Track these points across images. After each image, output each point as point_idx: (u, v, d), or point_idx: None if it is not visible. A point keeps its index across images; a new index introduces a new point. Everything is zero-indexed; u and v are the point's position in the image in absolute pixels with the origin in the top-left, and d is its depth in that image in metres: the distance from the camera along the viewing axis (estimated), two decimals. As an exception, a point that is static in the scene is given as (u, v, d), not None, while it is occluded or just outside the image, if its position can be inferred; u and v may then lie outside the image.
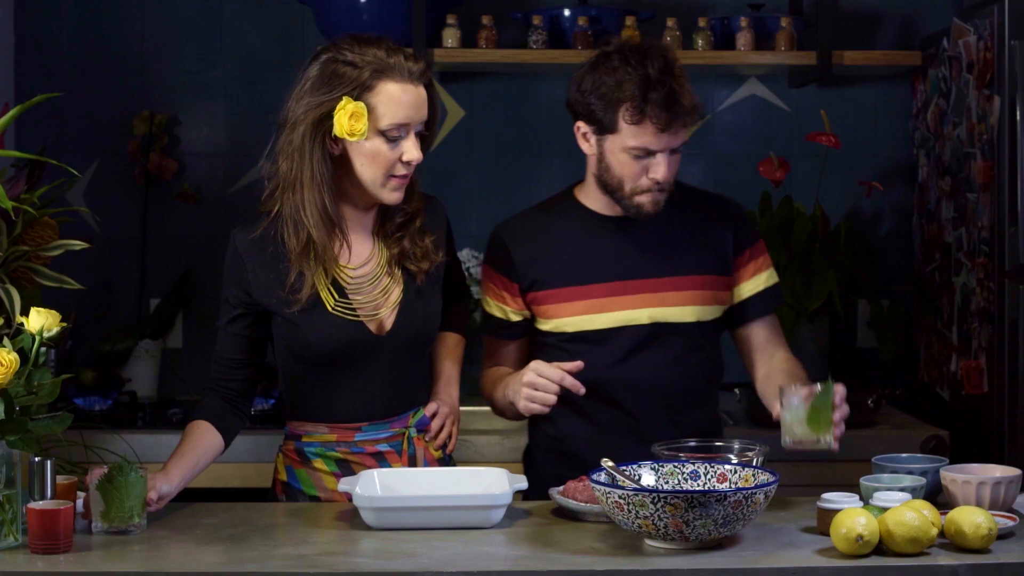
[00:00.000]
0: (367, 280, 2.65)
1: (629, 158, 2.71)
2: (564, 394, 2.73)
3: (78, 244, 2.70)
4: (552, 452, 2.88)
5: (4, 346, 2.31)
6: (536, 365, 2.66)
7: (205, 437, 2.63)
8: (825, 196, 4.02)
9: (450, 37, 3.89)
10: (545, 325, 2.84)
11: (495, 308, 2.88)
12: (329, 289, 2.61)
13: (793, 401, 2.45)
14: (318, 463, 2.68)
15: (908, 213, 4.13)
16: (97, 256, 3.87)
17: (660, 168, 2.70)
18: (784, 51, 3.92)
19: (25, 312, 2.41)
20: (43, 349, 2.36)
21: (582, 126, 2.76)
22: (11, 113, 2.63)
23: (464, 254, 4.02)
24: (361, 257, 2.66)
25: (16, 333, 2.42)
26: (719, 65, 3.98)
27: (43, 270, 2.66)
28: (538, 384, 2.64)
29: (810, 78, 4.01)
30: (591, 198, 2.84)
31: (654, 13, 4.02)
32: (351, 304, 2.62)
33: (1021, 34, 3.38)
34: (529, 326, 2.88)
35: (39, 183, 2.81)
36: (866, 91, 4.17)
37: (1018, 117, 3.37)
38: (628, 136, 2.69)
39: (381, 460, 2.68)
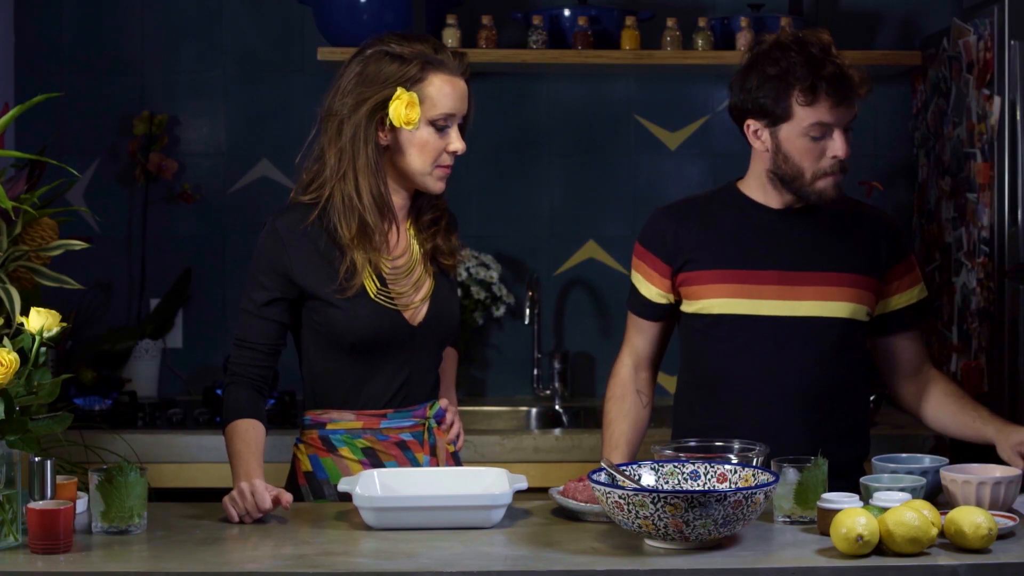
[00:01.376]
0: (403, 271, 2.71)
1: (807, 141, 2.74)
2: (702, 382, 2.82)
3: (78, 244, 2.70)
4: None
5: (4, 346, 2.31)
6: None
7: (259, 432, 2.64)
8: (825, 196, 4.02)
9: (450, 37, 3.89)
10: (690, 307, 2.86)
11: (642, 285, 2.92)
12: (372, 277, 2.66)
13: (788, 474, 2.44)
14: (345, 451, 2.70)
15: (908, 213, 4.13)
16: (97, 256, 3.87)
17: (838, 145, 2.73)
18: (784, 51, 3.92)
19: (25, 312, 2.41)
20: (43, 349, 2.36)
21: (752, 123, 2.79)
22: (11, 113, 2.63)
23: (464, 254, 4.01)
24: (399, 248, 2.73)
25: (16, 333, 2.41)
26: (719, 65, 3.97)
27: (43, 270, 2.66)
28: None
29: (810, 78, 4.00)
30: (753, 189, 2.86)
31: (654, 13, 4.02)
32: (390, 293, 2.67)
33: (1021, 34, 3.38)
34: (671, 312, 2.91)
35: (39, 183, 2.81)
36: (866, 91, 4.17)
37: (1018, 117, 3.37)
38: (804, 117, 2.73)
39: (405, 449, 2.72)
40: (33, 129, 3.98)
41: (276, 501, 2.48)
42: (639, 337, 2.97)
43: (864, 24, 4.17)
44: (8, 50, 4.04)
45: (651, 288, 2.91)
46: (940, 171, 3.82)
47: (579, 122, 4.17)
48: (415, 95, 2.62)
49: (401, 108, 2.61)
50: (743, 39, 3.93)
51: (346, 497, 2.68)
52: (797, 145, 2.75)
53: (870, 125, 4.17)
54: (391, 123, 2.63)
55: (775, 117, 2.74)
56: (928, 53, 3.91)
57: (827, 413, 2.80)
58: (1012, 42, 3.38)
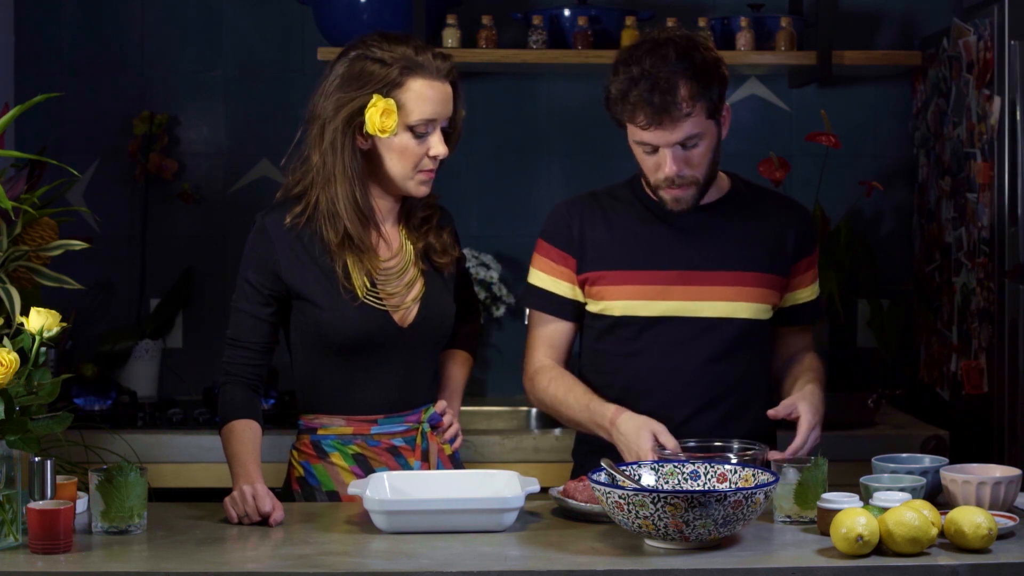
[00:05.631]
0: (395, 272, 2.70)
1: (641, 152, 2.72)
2: (603, 384, 2.76)
3: (78, 244, 2.70)
4: (598, 447, 2.81)
5: (4, 346, 2.31)
6: (655, 443, 2.60)
7: (256, 433, 2.64)
8: (825, 196, 4.02)
9: (450, 37, 3.89)
10: (594, 307, 2.82)
11: (551, 282, 2.84)
12: (362, 278, 2.65)
13: (788, 474, 2.44)
14: (335, 457, 2.70)
15: (908, 213, 4.13)
16: (97, 256, 3.87)
17: (663, 163, 2.68)
18: (784, 51, 3.92)
19: (25, 312, 2.41)
20: (43, 349, 2.36)
21: None
22: (11, 113, 2.63)
23: (463, 253, 4.02)
24: (390, 249, 2.72)
25: (16, 333, 2.42)
26: (719, 65, 3.97)
27: (43, 270, 2.66)
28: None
29: (810, 78, 4.01)
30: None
31: (654, 13, 4.02)
32: (379, 294, 2.66)
33: (1021, 34, 3.38)
34: (580, 310, 2.85)
35: (39, 183, 2.81)
36: (866, 91, 4.17)
37: (1018, 117, 3.37)
38: (631, 132, 2.71)
39: (396, 455, 2.71)
40: (33, 129, 3.98)
41: (274, 508, 2.47)
42: (549, 340, 2.85)
43: (864, 24, 4.17)
44: (8, 50, 4.04)
45: (562, 284, 2.83)
46: (940, 171, 3.82)
47: (579, 122, 4.17)
48: (391, 102, 2.59)
49: (376, 116, 2.59)
50: (743, 39, 3.93)
51: (336, 500, 2.69)
52: (636, 153, 2.74)
53: (870, 125, 4.17)
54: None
55: (618, 122, 2.73)
56: (928, 53, 3.91)
57: (729, 411, 2.76)
58: (1012, 42, 3.38)
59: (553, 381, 2.82)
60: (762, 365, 2.84)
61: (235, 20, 4.15)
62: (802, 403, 2.67)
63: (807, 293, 2.87)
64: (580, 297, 2.84)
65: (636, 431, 2.64)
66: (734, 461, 2.52)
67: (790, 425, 2.72)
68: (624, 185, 2.88)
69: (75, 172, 2.87)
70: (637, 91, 2.63)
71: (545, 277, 2.85)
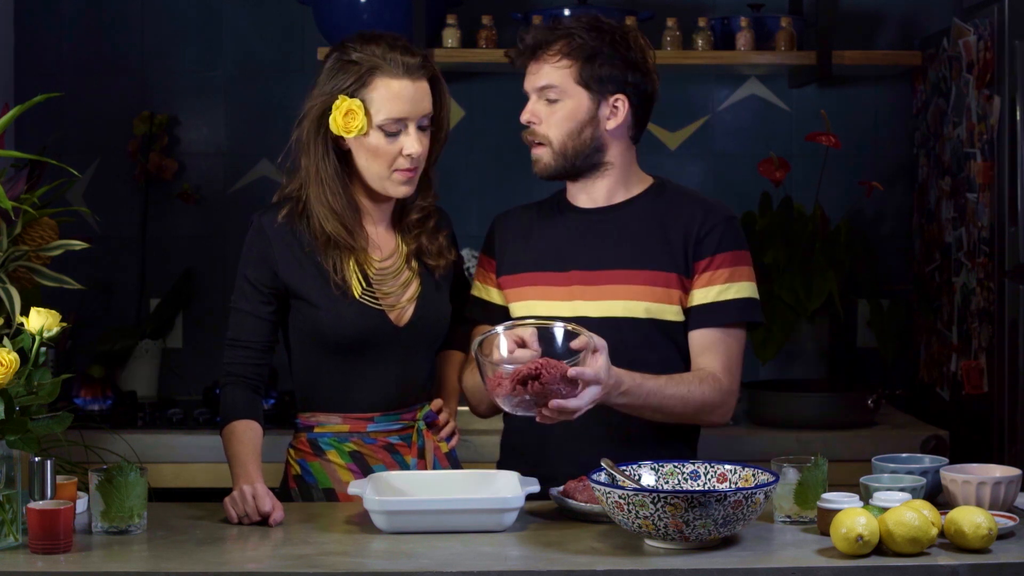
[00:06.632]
0: (390, 272, 2.71)
1: None
2: None
3: (78, 244, 2.70)
4: (514, 453, 2.80)
5: (4, 346, 2.31)
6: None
7: (257, 434, 2.64)
8: (825, 196, 4.02)
9: (450, 37, 3.89)
10: (512, 312, 2.81)
11: (481, 290, 2.86)
12: (358, 277, 2.66)
13: (788, 474, 2.44)
14: (332, 455, 2.70)
15: (908, 213, 4.13)
16: (97, 256, 3.87)
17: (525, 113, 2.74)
18: (784, 51, 3.92)
19: (25, 312, 2.41)
20: (43, 349, 2.36)
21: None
22: (11, 113, 2.63)
23: (464, 254, 4.01)
24: (385, 249, 2.72)
25: (16, 333, 2.42)
26: (719, 65, 3.98)
27: (43, 270, 2.66)
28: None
29: (810, 78, 4.01)
30: (570, 190, 2.83)
31: (654, 13, 4.02)
32: (375, 294, 2.67)
33: (1021, 34, 3.38)
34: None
35: (39, 183, 2.81)
36: (866, 91, 4.17)
37: (1018, 117, 3.37)
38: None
39: (393, 452, 2.71)
40: (33, 129, 3.98)
41: (274, 508, 2.47)
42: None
43: (864, 24, 4.17)
44: (8, 50, 4.05)
45: (492, 291, 2.84)
46: (940, 171, 3.82)
47: (579, 122, 4.16)
48: (356, 102, 2.60)
49: (339, 117, 2.60)
50: (743, 39, 3.93)
51: (333, 498, 2.69)
52: None
53: (870, 125, 4.17)
54: None
55: None
56: (928, 53, 3.91)
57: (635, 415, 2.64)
58: (1012, 42, 3.38)
59: (464, 372, 2.85)
60: (670, 366, 2.71)
61: (235, 20, 4.15)
62: (603, 371, 2.47)
63: (699, 296, 2.72)
64: (506, 304, 2.83)
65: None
66: (562, 328, 2.49)
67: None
68: (555, 194, 2.89)
69: (75, 172, 2.87)
70: (529, 32, 2.74)
71: (479, 286, 2.87)
